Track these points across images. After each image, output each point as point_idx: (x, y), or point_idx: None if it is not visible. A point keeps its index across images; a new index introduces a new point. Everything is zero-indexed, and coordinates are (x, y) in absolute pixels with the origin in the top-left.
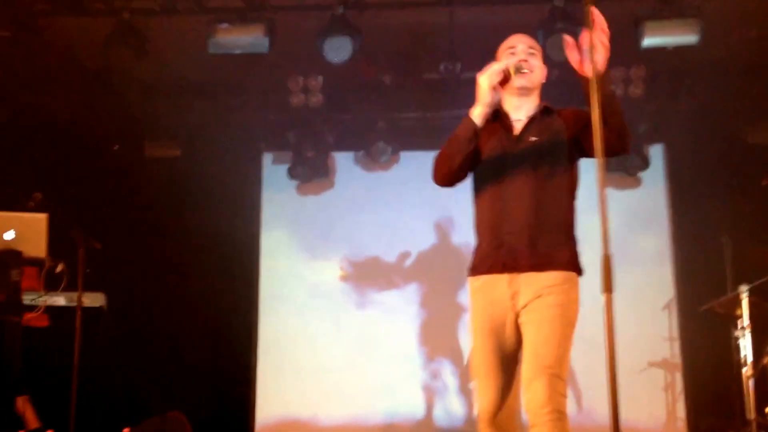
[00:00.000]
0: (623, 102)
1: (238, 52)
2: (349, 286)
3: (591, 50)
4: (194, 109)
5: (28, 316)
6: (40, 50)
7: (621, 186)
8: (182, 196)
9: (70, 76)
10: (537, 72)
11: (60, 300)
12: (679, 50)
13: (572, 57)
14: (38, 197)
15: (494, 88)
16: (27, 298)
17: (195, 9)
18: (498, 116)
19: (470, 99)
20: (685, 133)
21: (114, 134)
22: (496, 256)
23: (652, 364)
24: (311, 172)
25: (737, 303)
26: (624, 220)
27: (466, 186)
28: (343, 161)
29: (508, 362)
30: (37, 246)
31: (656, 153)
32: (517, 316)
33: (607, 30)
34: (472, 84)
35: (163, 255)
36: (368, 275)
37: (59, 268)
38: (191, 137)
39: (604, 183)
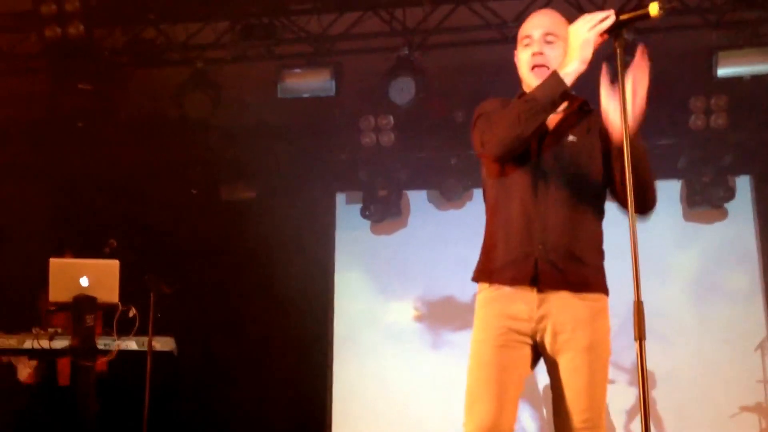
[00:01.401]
0: (705, 132)
1: (306, 95)
2: (424, 326)
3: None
4: (268, 151)
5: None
6: (120, 101)
7: (707, 220)
8: (257, 238)
9: (149, 125)
10: (555, 64)
11: (131, 344)
12: (760, 78)
13: (606, 99)
14: (113, 244)
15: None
16: (100, 343)
17: (265, 55)
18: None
19: None
20: None
21: (191, 179)
22: (523, 267)
23: (744, 409)
24: (384, 211)
25: None
26: (711, 255)
27: None
28: (416, 199)
29: (514, 385)
30: (110, 292)
31: (743, 184)
32: (540, 340)
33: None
34: None
35: (236, 297)
36: (443, 315)
37: (131, 313)
38: (266, 179)
39: (635, 230)
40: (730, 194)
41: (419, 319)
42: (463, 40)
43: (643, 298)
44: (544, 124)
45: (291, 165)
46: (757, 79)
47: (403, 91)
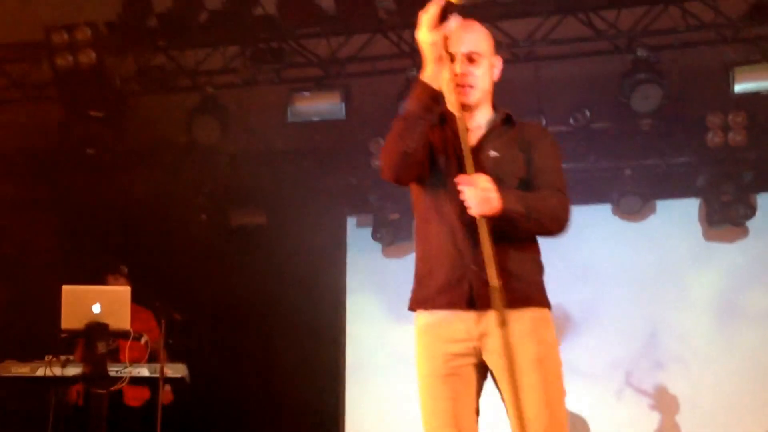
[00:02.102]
0: (723, 150)
1: (316, 119)
2: None
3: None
4: (278, 176)
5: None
6: (130, 128)
7: (728, 239)
8: (267, 263)
9: (158, 152)
10: (480, 83)
11: (143, 371)
12: None
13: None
14: (124, 270)
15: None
16: (112, 370)
17: (274, 80)
18: (446, 120)
19: None
20: None
21: (200, 205)
22: (458, 290)
23: None
24: (395, 234)
25: None
26: (733, 275)
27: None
28: None
29: (469, 413)
30: (121, 318)
31: (764, 202)
32: (485, 358)
33: (486, 186)
34: (558, 139)
35: (247, 323)
36: None
37: (143, 340)
38: (276, 204)
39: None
40: (751, 212)
41: None
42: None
43: (665, 320)
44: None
45: (301, 189)
46: None
47: None
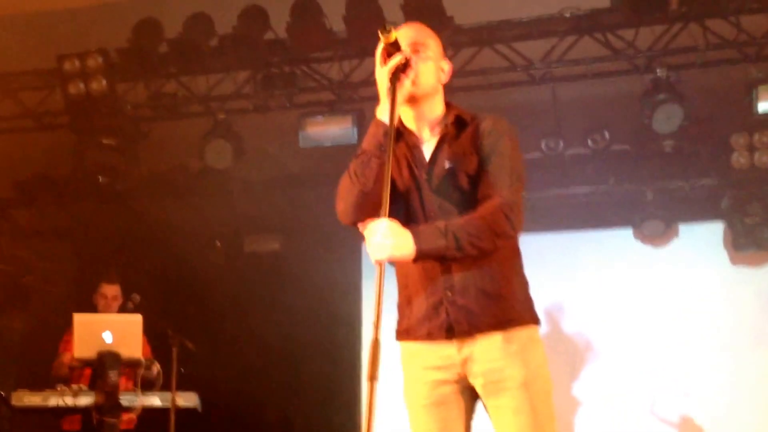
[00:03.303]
0: (749, 171)
1: (328, 144)
2: None
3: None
4: (291, 202)
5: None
6: (142, 155)
7: (756, 263)
8: (282, 291)
9: (171, 178)
10: (423, 73)
11: (155, 401)
12: None
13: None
14: (137, 299)
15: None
16: (124, 399)
17: (286, 105)
18: (402, 135)
19: (576, 176)
20: None
21: (214, 231)
22: (435, 320)
23: None
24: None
25: None
26: (763, 300)
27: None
28: None
29: None
30: (133, 347)
31: None
32: (469, 384)
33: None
34: (576, 162)
35: (261, 351)
36: None
37: (155, 368)
38: (290, 230)
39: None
40: None
41: None
42: (490, 82)
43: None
44: (419, 155)
45: (314, 215)
46: None
47: None
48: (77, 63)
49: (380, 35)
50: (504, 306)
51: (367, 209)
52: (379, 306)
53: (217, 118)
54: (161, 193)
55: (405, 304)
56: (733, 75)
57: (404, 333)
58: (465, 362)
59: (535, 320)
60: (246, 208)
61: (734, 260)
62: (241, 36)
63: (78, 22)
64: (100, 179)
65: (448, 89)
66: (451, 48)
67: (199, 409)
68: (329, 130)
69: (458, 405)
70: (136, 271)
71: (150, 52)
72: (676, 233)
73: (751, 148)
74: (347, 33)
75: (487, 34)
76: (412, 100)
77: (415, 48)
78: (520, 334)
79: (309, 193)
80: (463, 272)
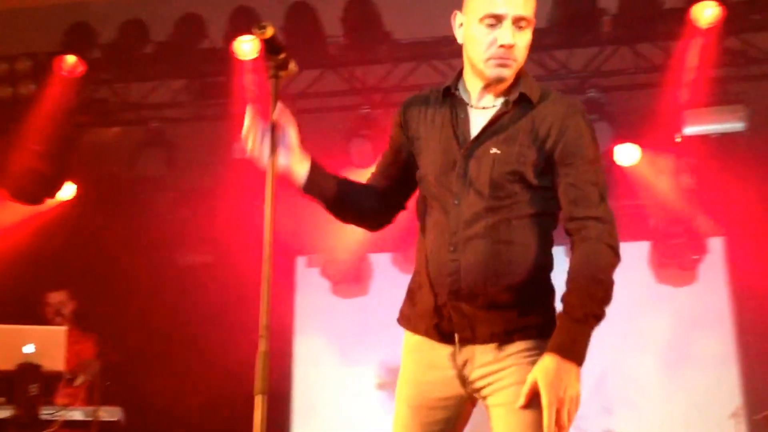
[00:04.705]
0: (674, 193)
1: None
2: (387, 394)
3: None
4: (225, 213)
5: None
6: (72, 162)
7: (678, 283)
8: (214, 302)
9: (102, 187)
10: (521, 57)
11: (77, 415)
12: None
13: None
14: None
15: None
16: (45, 413)
17: (221, 115)
18: (450, 98)
19: None
20: (745, 224)
21: (145, 242)
22: (433, 319)
23: None
24: (345, 275)
25: None
26: (683, 318)
27: None
28: (379, 263)
29: None
30: (55, 359)
31: (715, 246)
32: (469, 389)
33: None
34: None
35: (191, 364)
36: None
37: (78, 381)
38: (222, 243)
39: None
40: (702, 256)
41: (382, 387)
42: None
43: (614, 363)
44: (464, 131)
45: (248, 227)
46: (723, 138)
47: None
48: (5, 65)
49: (255, 34)
50: (518, 319)
51: (351, 210)
52: (266, 317)
53: (150, 127)
54: (93, 201)
55: (413, 290)
56: (660, 98)
57: (405, 319)
58: (465, 364)
59: (543, 335)
60: (178, 219)
61: (658, 279)
62: (177, 44)
63: (8, 24)
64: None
65: (383, 104)
66: (389, 63)
67: (123, 423)
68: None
69: (449, 411)
70: (67, 281)
71: (82, 57)
72: None
73: (676, 171)
74: (285, 45)
75: (425, 51)
76: (499, 81)
77: (521, 25)
78: (532, 344)
79: (243, 204)
80: (475, 272)
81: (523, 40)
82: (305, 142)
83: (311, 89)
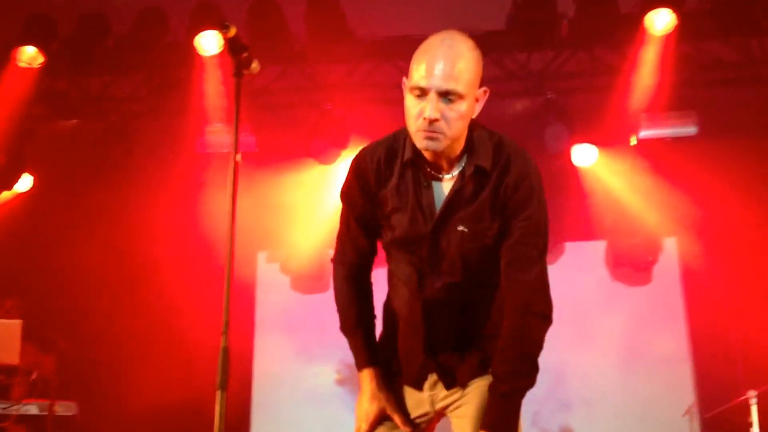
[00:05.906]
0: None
1: (225, 151)
2: (346, 390)
3: None
4: (185, 208)
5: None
6: (30, 154)
7: (633, 282)
8: (172, 297)
9: (60, 179)
10: (452, 130)
11: (32, 409)
12: (680, 140)
13: None
14: (8, 304)
15: None
16: None
17: (182, 109)
18: (412, 165)
19: None
20: (697, 225)
21: (103, 236)
22: (414, 370)
23: None
24: (306, 271)
25: (747, 409)
26: (638, 317)
27: None
28: None
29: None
30: (10, 353)
31: (669, 245)
32: (437, 410)
33: None
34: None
35: (149, 359)
36: None
37: (33, 375)
38: (182, 237)
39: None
40: (656, 255)
41: (341, 382)
42: (386, 97)
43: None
44: (429, 206)
45: (208, 221)
46: (677, 141)
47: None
48: None
49: (219, 32)
50: (477, 362)
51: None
52: (227, 313)
53: (110, 120)
54: (54, 195)
55: (385, 331)
56: (617, 102)
57: (391, 376)
58: (433, 385)
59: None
60: (138, 214)
61: (614, 278)
62: (138, 37)
63: None
64: None
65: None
66: (352, 60)
67: (78, 417)
68: (227, 137)
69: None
70: (17, 276)
71: (41, 49)
72: (561, 251)
73: (632, 171)
74: (248, 41)
75: (386, 49)
76: (435, 155)
77: (448, 97)
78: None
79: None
80: (444, 332)
81: (453, 112)
82: (268, 138)
83: (274, 85)
